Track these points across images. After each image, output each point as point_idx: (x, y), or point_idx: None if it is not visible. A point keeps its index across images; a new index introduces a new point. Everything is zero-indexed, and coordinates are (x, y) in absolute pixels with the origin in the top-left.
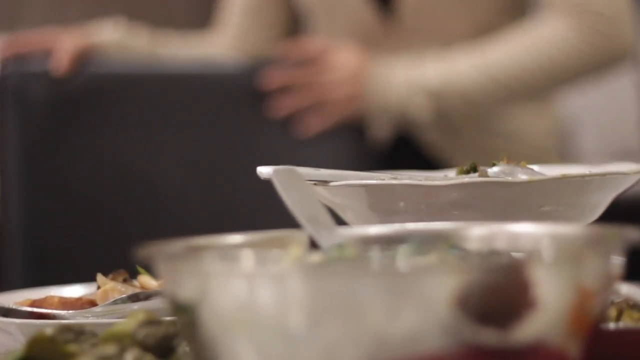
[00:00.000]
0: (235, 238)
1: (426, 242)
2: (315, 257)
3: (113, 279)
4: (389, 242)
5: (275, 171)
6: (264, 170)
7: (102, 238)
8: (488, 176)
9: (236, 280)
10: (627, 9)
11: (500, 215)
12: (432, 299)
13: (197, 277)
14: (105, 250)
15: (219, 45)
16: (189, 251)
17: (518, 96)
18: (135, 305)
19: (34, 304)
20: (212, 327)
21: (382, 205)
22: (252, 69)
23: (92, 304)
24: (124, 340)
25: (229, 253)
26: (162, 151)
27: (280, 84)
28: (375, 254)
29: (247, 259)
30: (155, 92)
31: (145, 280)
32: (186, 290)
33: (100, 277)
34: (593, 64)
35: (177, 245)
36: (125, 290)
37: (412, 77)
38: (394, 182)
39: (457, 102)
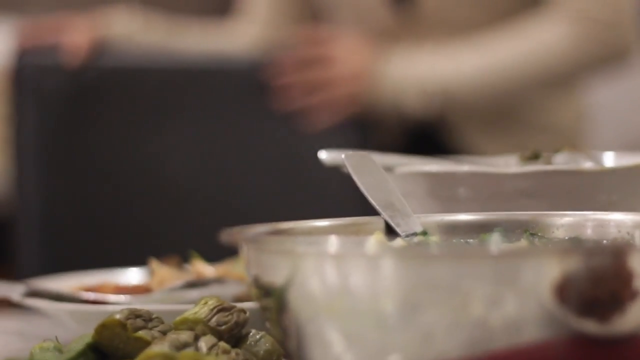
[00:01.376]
0: (317, 224)
1: (511, 230)
2: (398, 243)
3: (167, 265)
4: (471, 229)
5: (347, 156)
6: (328, 156)
7: (117, 227)
8: (553, 164)
9: (329, 264)
10: (629, 15)
11: (566, 204)
12: (534, 287)
13: (288, 261)
14: (121, 238)
15: (241, 35)
16: (279, 235)
17: (508, 96)
18: (195, 292)
19: (88, 290)
20: (301, 311)
21: (443, 192)
22: (261, 62)
23: (147, 290)
24: (196, 327)
25: (317, 238)
26: (174, 142)
27: (285, 77)
28: (461, 241)
29: (335, 243)
30: (169, 84)
31: (200, 266)
32: (275, 275)
33: (154, 262)
34: (587, 70)
35: (263, 229)
36: (180, 276)
37: (412, 75)
38: (460, 169)
39: (454, 101)
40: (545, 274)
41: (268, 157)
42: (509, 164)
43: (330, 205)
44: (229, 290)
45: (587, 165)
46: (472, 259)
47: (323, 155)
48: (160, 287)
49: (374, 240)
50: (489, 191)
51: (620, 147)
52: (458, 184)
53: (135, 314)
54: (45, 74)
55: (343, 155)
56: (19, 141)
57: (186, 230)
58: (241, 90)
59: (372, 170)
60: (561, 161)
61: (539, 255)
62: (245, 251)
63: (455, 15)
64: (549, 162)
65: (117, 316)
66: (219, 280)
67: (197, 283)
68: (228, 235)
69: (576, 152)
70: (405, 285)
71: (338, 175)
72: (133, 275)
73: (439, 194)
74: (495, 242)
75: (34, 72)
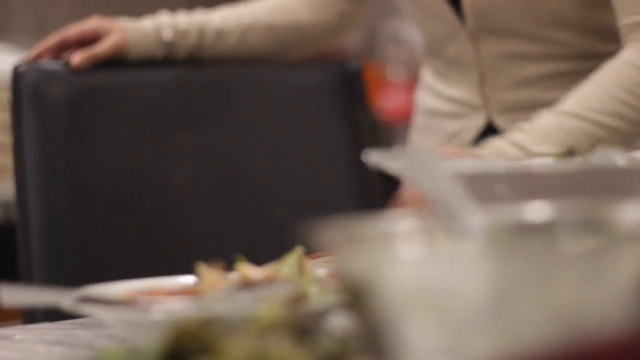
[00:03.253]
0: (389, 224)
1: (581, 225)
2: (471, 238)
3: (213, 269)
4: (539, 225)
5: (404, 154)
6: (376, 157)
7: (120, 236)
8: (588, 162)
9: (425, 258)
10: None
11: (605, 197)
12: (623, 278)
13: (380, 258)
14: (123, 247)
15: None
16: (368, 233)
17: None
18: (248, 294)
19: (136, 297)
20: (393, 307)
21: (481, 191)
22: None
23: (198, 294)
24: (271, 326)
25: (402, 237)
26: (178, 149)
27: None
28: (534, 237)
29: (428, 239)
30: (171, 90)
31: (247, 269)
32: (365, 272)
33: (202, 267)
34: None
35: (350, 227)
36: (230, 279)
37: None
38: (498, 169)
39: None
40: (630, 266)
41: (272, 162)
42: (544, 161)
43: (349, 207)
44: (280, 292)
45: (622, 162)
46: (556, 254)
47: (371, 155)
48: (210, 291)
49: (443, 240)
50: (527, 190)
51: None
52: (496, 183)
53: (203, 318)
54: (46, 80)
55: (399, 154)
56: (19, 147)
57: (190, 238)
58: (246, 93)
59: (431, 168)
60: (596, 159)
61: (622, 248)
62: (334, 249)
63: (501, 22)
64: (584, 159)
65: (190, 321)
66: (269, 282)
67: (250, 285)
68: (316, 233)
69: (610, 150)
70: (497, 277)
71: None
72: (173, 282)
73: (477, 193)
74: (567, 238)
75: (34, 78)
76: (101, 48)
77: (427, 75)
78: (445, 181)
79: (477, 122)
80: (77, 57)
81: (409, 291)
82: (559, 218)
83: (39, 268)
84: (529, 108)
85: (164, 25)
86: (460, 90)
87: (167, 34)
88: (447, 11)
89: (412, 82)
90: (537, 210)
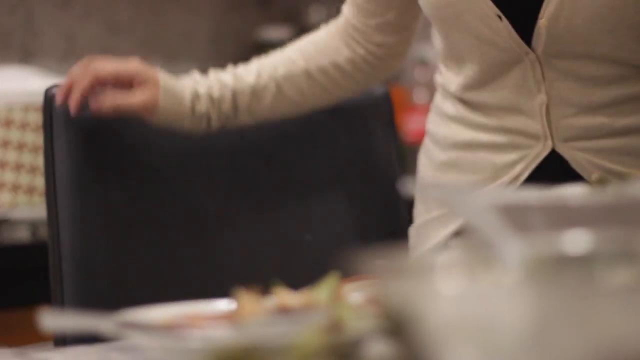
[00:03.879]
0: (431, 256)
1: (618, 256)
2: (511, 270)
3: (250, 295)
4: (577, 257)
5: (446, 190)
6: (411, 187)
7: (151, 258)
8: (624, 192)
9: (463, 294)
10: None
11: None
12: None
13: (422, 291)
14: (155, 270)
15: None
16: (414, 266)
17: None
18: (287, 321)
19: (175, 322)
20: (434, 339)
21: (516, 222)
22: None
23: (236, 320)
24: (312, 355)
25: (443, 269)
26: (209, 174)
27: None
28: (573, 268)
29: (461, 274)
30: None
31: (283, 295)
32: (407, 303)
33: (240, 293)
34: None
35: (394, 258)
36: (267, 305)
37: None
38: (532, 202)
39: None
40: None
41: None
42: (578, 192)
43: (377, 231)
44: (317, 318)
45: None
46: (598, 289)
47: (421, 188)
48: (248, 317)
49: (487, 272)
50: (562, 221)
51: None
52: (530, 214)
53: (243, 345)
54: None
55: (442, 189)
56: (52, 171)
57: (222, 262)
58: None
59: (473, 201)
60: (630, 189)
61: None
62: (381, 280)
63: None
64: (617, 189)
65: (230, 348)
66: (306, 309)
67: (288, 312)
68: (363, 262)
69: None
70: (537, 310)
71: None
72: (210, 307)
73: (512, 224)
74: (606, 268)
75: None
76: (129, 103)
77: (453, 107)
78: (483, 212)
79: (538, 152)
80: (103, 104)
81: (450, 324)
82: (597, 249)
83: (70, 289)
84: (598, 135)
85: (201, 92)
86: (515, 119)
87: (202, 106)
88: (512, 38)
89: None
90: (575, 242)
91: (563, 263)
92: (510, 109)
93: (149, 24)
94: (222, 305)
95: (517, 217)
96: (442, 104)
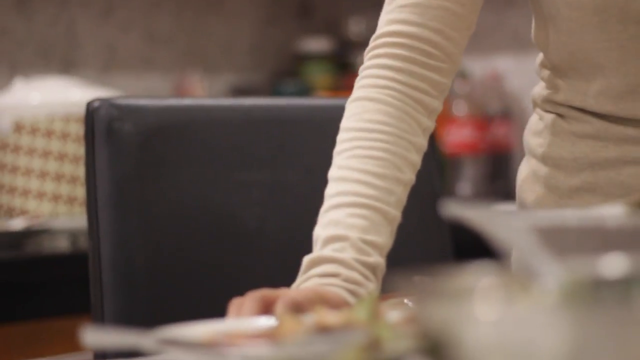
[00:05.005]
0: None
1: None
2: (549, 293)
3: (290, 313)
4: (615, 280)
5: (483, 212)
6: (455, 209)
7: (189, 272)
8: None
9: (501, 319)
10: None
11: None
12: None
13: (460, 314)
14: (193, 283)
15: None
16: (453, 288)
17: None
18: (326, 340)
19: (215, 339)
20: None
21: (552, 244)
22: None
23: (276, 338)
24: None
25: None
26: (247, 187)
27: None
28: (610, 292)
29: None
30: (243, 126)
31: (323, 313)
32: (445, 326)
33: (280, 311)
34: None
35: (433, 280)
36: (306, 324)
37: None
38: (569, 224)
39: None
40: None
41: None
42: (615, 213)
43: (417, 246)
44: (356, 337)
45: None
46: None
47: (452, 208)
48: (288, 335)
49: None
50: (600, 243)
51: None
52: (569, 236)
53: None
54: (119, 116)
55: (478, 212)
56: (93, 183)
57: (259, 275)
58: (312, 130)
59: (507, 223)
60: None
61: None
62: (417, 296)
63: None
64: None
65: None
66: (345, 328)
67: (327, 330)
68: (406, 284)
69: None
70: (574, 336)
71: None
72: (251, 324)
73: (550, 246)
74: None
75: (107, 114)
76: None
77: (583, 122)
78: (521, 235)
79: None
80: None
81: (487, 349)
82: (635, 273)
83: (111, 300)
84: None
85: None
86: None
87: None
88: None
89: (476, 116)
90: (613, 265)
91: (601, 287)
92: None
93: (189, 34)
94: (263, 322)
95: (555, 239)
96: (560, 120)
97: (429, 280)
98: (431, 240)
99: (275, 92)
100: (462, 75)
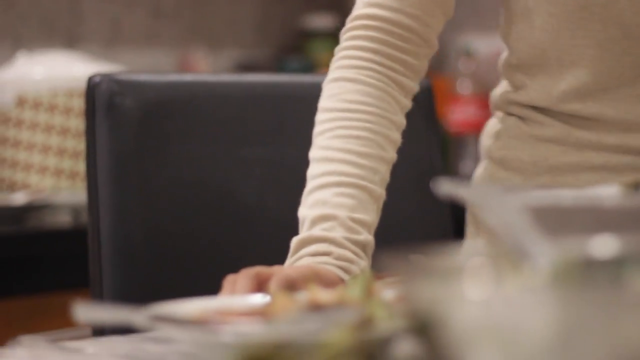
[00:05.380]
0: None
1: None
2: (539, 273)
3: (282, 291)
4: (606, 261)
5: (477, 190)
6: (446, 188)
7: (188, 247)
8: None
9: (490, 299)
10: None
11: None
12: None
13: (449, 294)
14: (191, 258)
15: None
16: (438, 267)
17: None
18: (318, 318)
19: (207, 316)
20: (459, 342)
21: (547, 223)
22: None
23: (268, 316)
24: (341, 354)
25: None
26: (248, 163)
27: None
28: (601, 272)
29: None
30: (244, 102)
31: (316, 292)
32: (434, 306)
33: (273, 288)
34: None
35: (421, 260)
36: (299, 302)
37: None
38: (565, 203)
39: None
40: None
41: None
42: (611, 194)
43: (416, 224)
44: (349, 316)
45: None
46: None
47: (441, 185)
48: (280, 312)
49: (514, 274)
50: (596, 222)
51: None
52: (564, 216)
53: (273, 342)
54: (120, 91)
55: (469, 189)
56: (93, 158)
57: (257, 251)
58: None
59: (499, 201)
60: None
61: None
62: (405, 275)
63: None
64: None
65: (260, 345)
66: (338, 306)
67: (319, 309)
68: (392, 263)
69: None
70: (563, 317)
71: (418, 193)
72: (244, 301)
73: (544, 225)
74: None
75: (108, 89)
76: None
77: (544, 124)
78: (514, 214)
79: None
80: None
81: (475, 328)
82: (627, 253)
83: (109, 275)
84: None
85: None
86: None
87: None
88: None
89: (480, 95)
90: (604, 246)
91: (592, 267)
92: (635, 124)
93: (194, 10)
94: (256, 300)
95: (549, 218)
96: (521, 122)
97: (418, 260)
98: (432, 219)
99: (279, 68)
100: (467, 53)
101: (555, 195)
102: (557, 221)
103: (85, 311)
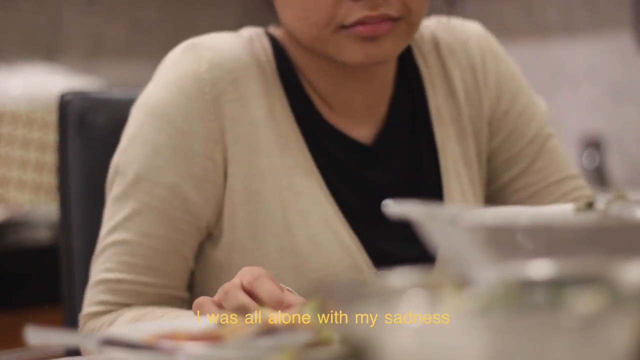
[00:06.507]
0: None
1: (585, 283)
2: (477, 298)
3: (235, 313)
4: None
5: (414, 211)
6: (396, 208)
7: None
8: (609, 214)
9: (423, 327)
10: None
11: (624, 251)
12: (620, 348)
13: (383, 320)
14: None
15: None
16: (377, 292)
17: None
18: (268, 340)
19: (157, 339)
20: None
21: (503, 243)
22: None
23: (220, 338)
24: None
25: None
26: None
27: None
28: (539, 296)
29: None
30: None
31: (269, 313)
32: (368, 332)
33: (225, 311)
34: None
35: (354, 287)
36: (249, 325)
37: None
38: (519, 223)
39: None
40: (628, 334)
41: None
42: (565, 214)
43: None
44: (300, 338)
45: None
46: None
47: (389, 206)
48: (232, 335)
49: (451, 298)
50: (548, 242)
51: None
52: (516, 235)
53: None
54: (92, 109)
55: (413, 209)
56: (65, 174)
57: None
58: None
59: (442, 222)
60: (615, 211)
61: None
62: (337, 309)
63: None
64: (603, 212)
65: None
66: (289, 328)
67: (270, 331)
68: (320, 289)
69: (628, 201)
70: (494, 347)
71: None
72: (201, 323)
73: (498, 244)
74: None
75: (80, 107)
76: None
77: None
78: (460, 237)
79: None
80: None
81: (408, 354)
82: (565, 276)
83: (81, 292)
84: None
85: None
86: None
87: None
88: None
89: None
90: (544, 268)
91: (530, 291)
92: None
93: (174, 22)
94: (206, 323)
95: (504, 239)
96: None
97: (354, 284)
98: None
99: None
100: None
101: (511, 214)
102: (510, 241)
103: (36, 335)
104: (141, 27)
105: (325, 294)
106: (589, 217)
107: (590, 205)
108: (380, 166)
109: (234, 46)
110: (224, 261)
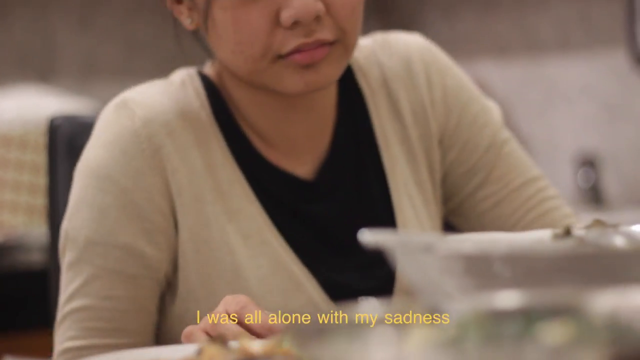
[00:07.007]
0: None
1: (555, 313)
2: (445, 330)
3: (214, 342)
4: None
5: (388, 239)
6: (371, 237)
7: None
8: (586, 241)
9: (394, 356)
10: None
11: (600, 280)
12: None
13: (355, 352)
14: None
15: None
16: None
17: None
18: None
19: None
20: None
21: (479, 271)
22: None
23: None
24: None
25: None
26: None
27: None
28: (509, 327)
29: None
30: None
31: (247, 343)
32: None
33: (203, 339)
34: None
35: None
36: (228, 353)
37: None
38: (496, 251)
39: None
40: None
41: None
42: (542, 241)
43: None
44: None
45: (620, 244)
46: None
47: (364, 235)
48: None
49: (418, 331)
50: (524, 270)
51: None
52: (493, 263)
53: None
54: (81, 133)
55: (385, 238)
56: (54, 198)
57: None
58: None
59: (414, 252)
60: (592, 238)
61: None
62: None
63: None
64: (580, 239)
65: None
66: (267, 358)
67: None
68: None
69: (606, 227)
70: None
71: None
72: (180, 353)
73: (475, 273)
74: (542, 330)
75: (69, 131)
76: None
77: None
78: (432, 267)
79: None
80: None
81: None
82: (535, 306)
83: None
84: None
85: None
86: None
87: None
88: None
89: None
90: (514, 299)
91: (500, 322)
92: None
93: (169, 42)
94: (186, 351)
95: (481, 268)
96: None
97: (320, 317)
98: None
99: None
100: None
101: (488, 243)
102: (487, 270)
103: None
104: (135, 47)
105: (291, 331)
106: (566, 245)
107: (568, 232)
108: (325, 199)
109: (164, 98)
110: (181, 311)
